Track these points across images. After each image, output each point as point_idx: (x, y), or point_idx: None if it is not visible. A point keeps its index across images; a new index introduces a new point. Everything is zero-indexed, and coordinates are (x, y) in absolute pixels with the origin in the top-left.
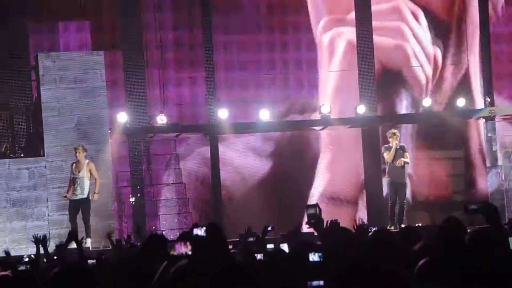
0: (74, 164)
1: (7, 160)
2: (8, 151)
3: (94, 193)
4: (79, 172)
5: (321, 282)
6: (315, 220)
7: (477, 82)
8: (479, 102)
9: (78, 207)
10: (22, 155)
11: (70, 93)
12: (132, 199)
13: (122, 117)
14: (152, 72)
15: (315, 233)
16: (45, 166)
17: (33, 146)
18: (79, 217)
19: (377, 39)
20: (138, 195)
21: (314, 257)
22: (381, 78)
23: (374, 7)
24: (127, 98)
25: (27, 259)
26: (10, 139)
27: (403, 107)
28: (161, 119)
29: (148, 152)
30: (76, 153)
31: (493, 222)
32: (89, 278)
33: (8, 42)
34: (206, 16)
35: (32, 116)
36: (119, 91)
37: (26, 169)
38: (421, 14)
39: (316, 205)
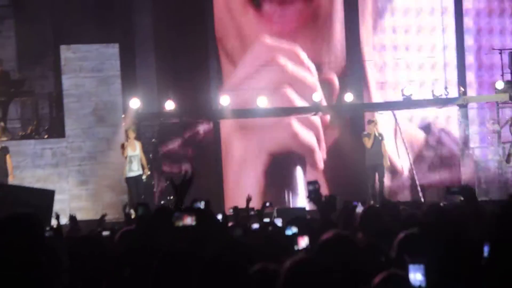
0: (126, 144)
1: (32, 141)
2: (34, 133)
3: (145, 169)
4: (134, 151)
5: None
6: (315, 195)
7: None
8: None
9: (136, 183)
10: (46, 136)
11: (88, 81)
12: (144, 177)
13: (135, 103)
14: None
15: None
16: (66, 147)
17: (55, 129)
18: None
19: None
20: (149, 172)
21: (291, 230)
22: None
23: (248, 69)
24: (139, 84)
25: (48, 228)
26: (35, 122)
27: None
28: (169, 105)
29: (158, 136)
30: (128, 134)
31: (471, 202)
32: (102, 247)
33: (34, 35)
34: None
35: (54, 101)
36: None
37: (49, 149)
38: (299, 51)
39: (315, 182)
